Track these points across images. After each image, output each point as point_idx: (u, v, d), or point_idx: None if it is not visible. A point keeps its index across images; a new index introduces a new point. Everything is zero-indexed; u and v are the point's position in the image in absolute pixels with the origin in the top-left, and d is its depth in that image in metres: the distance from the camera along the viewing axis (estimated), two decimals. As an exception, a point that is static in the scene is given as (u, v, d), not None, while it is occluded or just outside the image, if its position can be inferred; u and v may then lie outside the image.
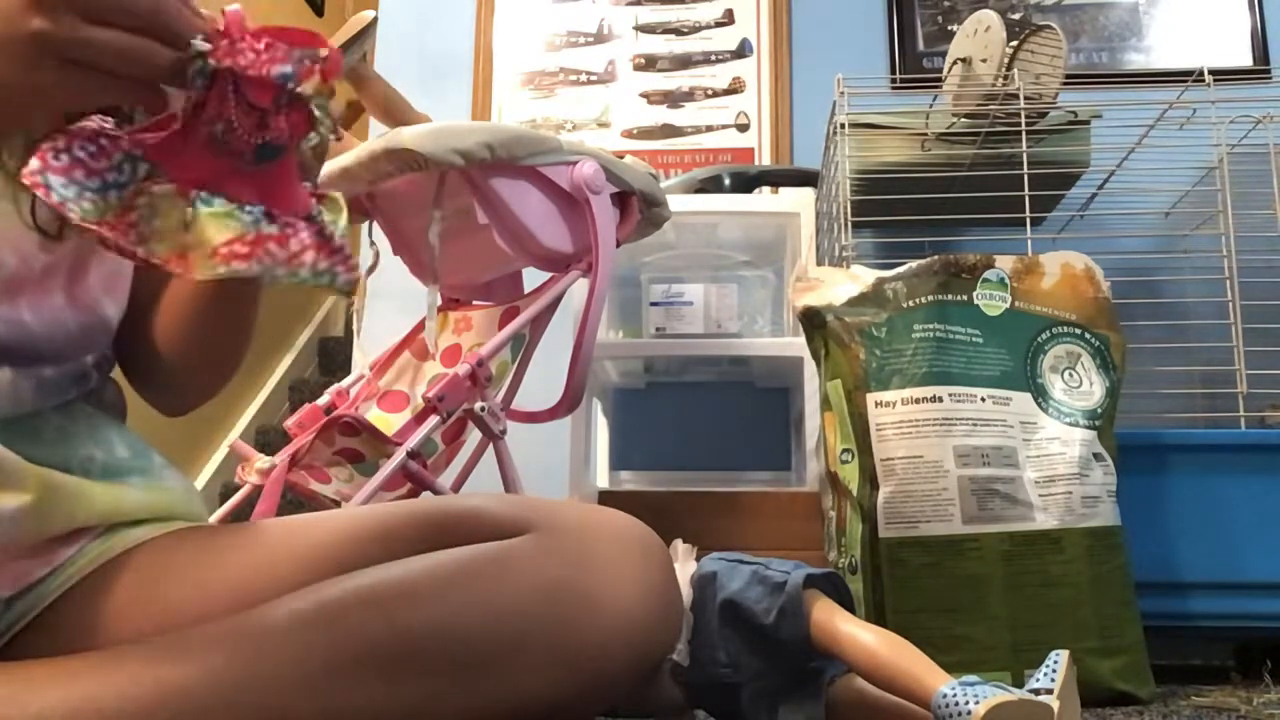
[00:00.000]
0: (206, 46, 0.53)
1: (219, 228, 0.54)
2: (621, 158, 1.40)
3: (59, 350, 0.69)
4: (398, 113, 1.93)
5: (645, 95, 2.37)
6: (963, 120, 1.72)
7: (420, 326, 1.52)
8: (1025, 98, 1.61)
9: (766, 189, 2.03)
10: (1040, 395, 1.27)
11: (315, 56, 0.56)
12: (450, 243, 1.38)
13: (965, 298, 1.30)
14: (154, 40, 0.52)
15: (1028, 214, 1.58)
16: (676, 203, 1.70)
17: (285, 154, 0.57)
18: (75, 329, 0.69)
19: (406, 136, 1.20)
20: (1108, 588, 1.20)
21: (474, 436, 1.41)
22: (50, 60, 0.50)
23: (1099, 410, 1.27)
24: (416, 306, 1.43)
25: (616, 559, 0.67)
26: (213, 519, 1.25)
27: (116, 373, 0.81)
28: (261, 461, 1.30)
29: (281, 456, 1.29)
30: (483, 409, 1.25)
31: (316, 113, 0.57)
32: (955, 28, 1.83)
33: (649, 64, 2.38)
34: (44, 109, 0.54)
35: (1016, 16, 2.27)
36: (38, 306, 0.67)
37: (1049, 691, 0.76)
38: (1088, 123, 1.74)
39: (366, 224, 1.49)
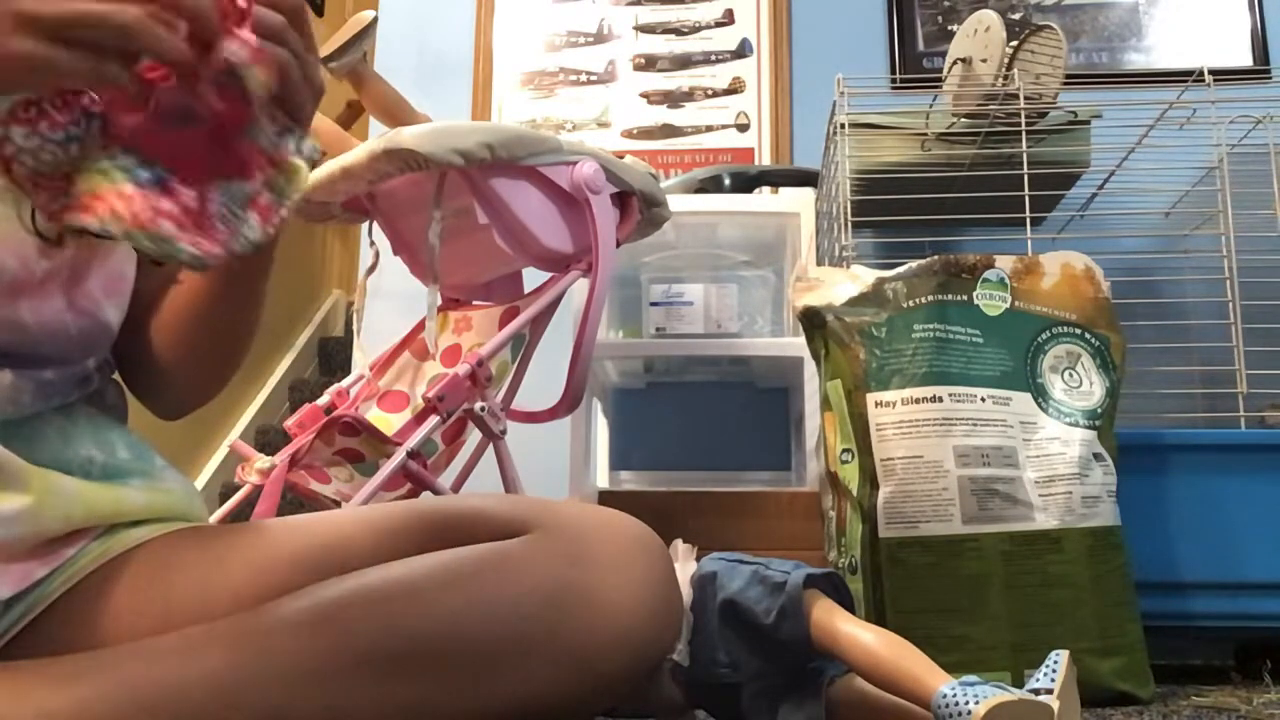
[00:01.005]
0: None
1: (94, 181, 0.54)
2: (621, 158, 1.40)
3: (59, 353, 0.69)
4: (398, 113, 1.93)
5: (645, 95, 2.37)
6: (963, 120, 1.72)
7: (420, 326, 1.52)
8: (1025, 98, 1.61)
9: (766, 189, 2.03)
10: (1040, 395, 1.27)
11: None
12: (450, 243, 1.38)
13: (965, 298, 1.30)
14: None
15: (1028, 214, 1.58)
16: (676, 203, 1.70)
17: (212, 123, 0.57)
18: (75, 333, 0.69)
19: (406, 136, 1.20)
20: (1108, 588, 1.20)
21: (474, 436, 1.41)
22: (41, 37, 0.50)
23: (1099, 410, 1.27)
24: (416, 306, 1.43)
25: (616, 559, 0.67)
26: (213, 519, 1.25)
27: (118, 374, 0.81)
28: (261, 461, 1.30)
29: (281, 456, 1.29)
30: (483, 409, 1.25)
31: (254, 96, 0.57)
32: (955, 28, 1.83)
33: (649, 64, 2.38)
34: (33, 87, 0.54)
35: (1016, 16, 2.27)
36: (38, 310, 0.67)
37: (1049, 691, 0.76)
38: (1088, 123, 1.74)
39: (366, 224, 1.49)
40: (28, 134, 0.53)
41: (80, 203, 0.54)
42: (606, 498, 1.57)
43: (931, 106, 1.81)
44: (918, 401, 1.23)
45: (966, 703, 0.73)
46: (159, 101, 0.56)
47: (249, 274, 0.76)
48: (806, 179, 1.96)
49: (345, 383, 1.50)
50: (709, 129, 2.33)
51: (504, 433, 1.30)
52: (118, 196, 0.54)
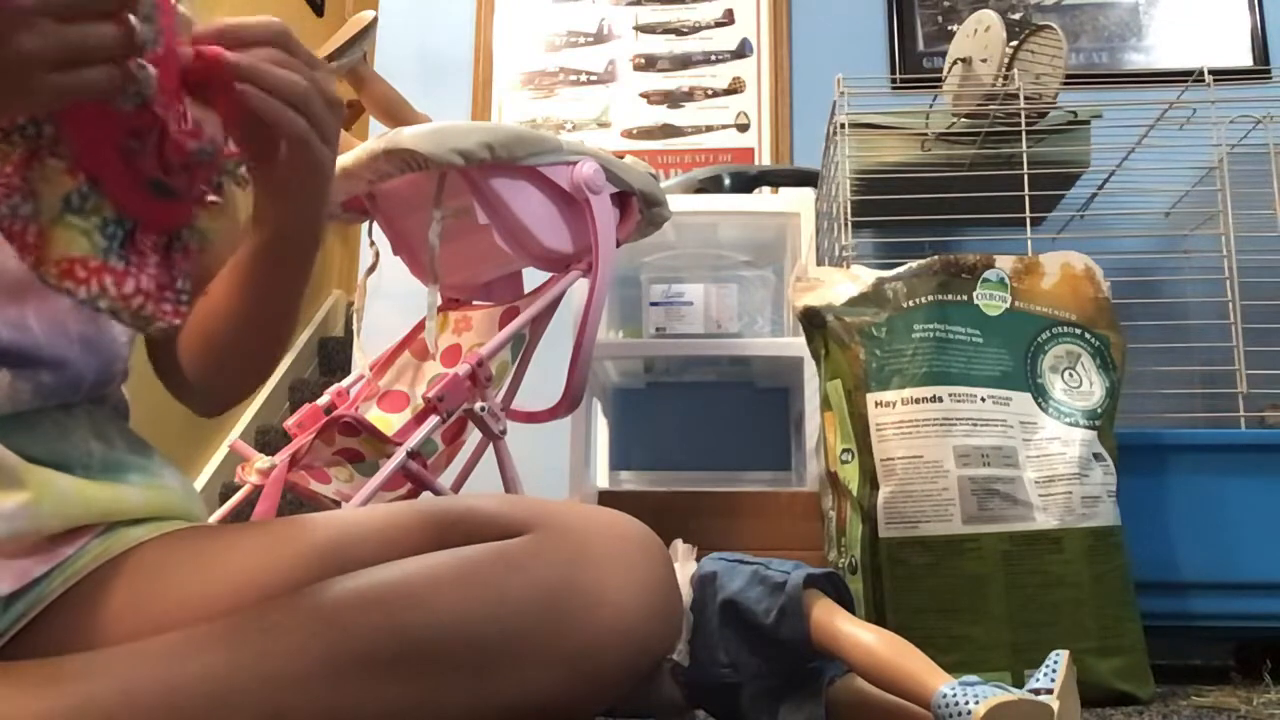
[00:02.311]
0: (152, 72, 0.53)
1: (71, 241, 0.54)
2: (621, 158, 1.40)
3: (60, 358, 0.69)
4: (398, 113, 1.93)
5: (645, 95, 2.37)
6: (963, 120, 1.72)
7: (420, 326, 1.52)
8: (1025, 98, 1.61)
9: (766, 189, 2.03)
10: (1040, 395, 1.27)
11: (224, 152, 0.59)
12: (450, 243, 1.38)
13: (965, 298, 1.30)
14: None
15: (1028, 214, 1.58)
16: (676, 203, 1.70)
17: (173, 198, 0.59)
18: (76, 338, 0.69)
19: (406, 136, 1.20)
20: (1108, 588, 1.20)
21: (474, 436, 1.41)
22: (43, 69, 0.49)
23: (1099, 410, 1.27)
24: (416, 306, 1.43)
25: (616, 559, 0.67)
26: (213, 519, 1.25)
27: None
28: (261, 461, 1.30)
29: (281, 456, 1.29)
30: (483, 409, 1.25)
31: (216, 179, 0.60)
32: (955, 28, 1.83)
33: (649, 64, 2.38)
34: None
35: (1016, 16, 2.27)
36: (43, 313, 0.67)
37: (1049, 691, 0.76)
38: (1088, 123, 1.74)
39: (366, 224, 1.49)
40: None
41: (61, 268, 0.54)
42: (606, 498, 1.57)
43: (931, 106, 1.81)
44: (918, 401, 1.23)
45: (966, 703, 0.73)
46: (132, 161, 0.56)
47: (282, 292, 0.74)
48: (806, 179, 1.96)
49: (345, 383, 1.50)
50: (709, 129, 2.33)
51: (504, 433, 1.30)
52: (102, 270, 0.55)
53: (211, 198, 0.61)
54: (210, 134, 0.58)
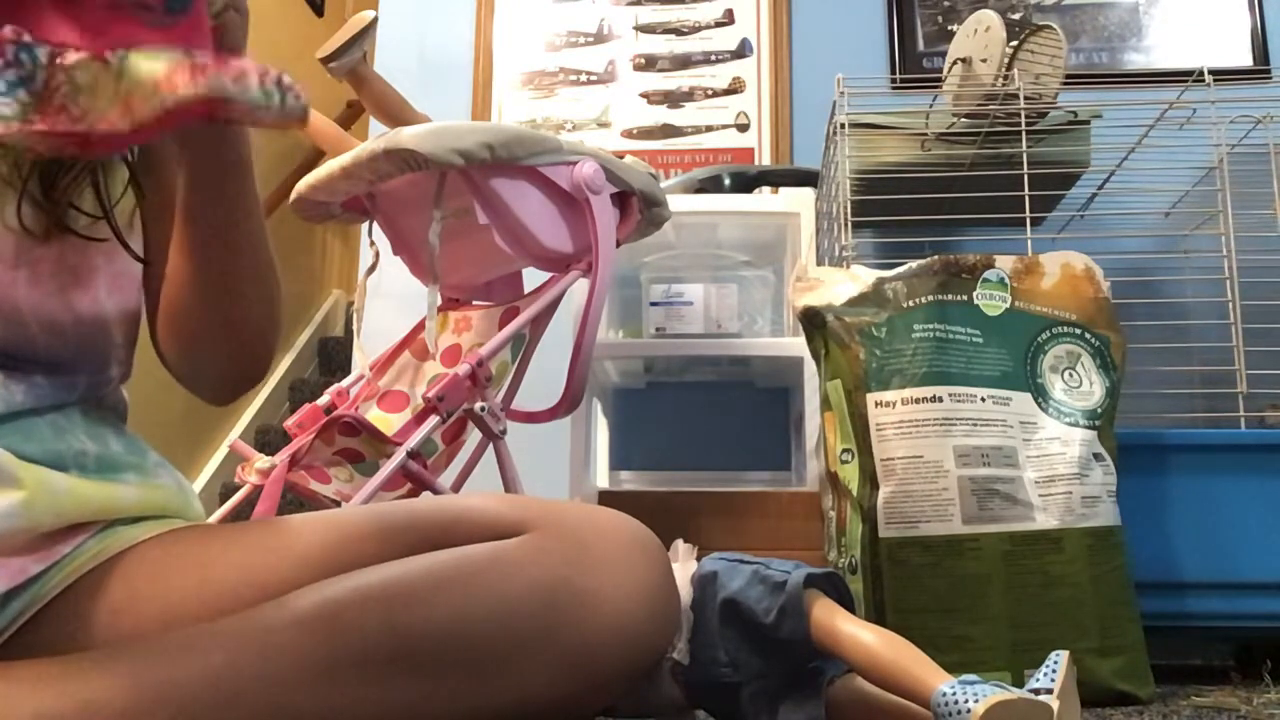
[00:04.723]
0: None
1: (153, 64, 0.49)
2: (621, 158, 1.40)
3: (55, 358, 0.68)
4: (398, 113, 1.93)
5: (645, 95, 2.37)
6: (963, 120, 1.72)
7: (420, 326, 1.52)
8: (1025, 98, 1.61)
9: (766, 189, 2.03)
10: (1040, 395, 1.27)
11: None
12: (450, 243, 1.38)
13: (965, 298, 1.30)
14: None
15: (1028, 214, 1.58)
16: (676, 203, 1.70)
17: (196, 3, 0.53)
18: (73, 336, 0.69)
19: (406, 136, 1.20)
20: (1108, 588, 1.20)
21: (474, 436, 1.41)
22: None
23: (1099, 410, 1.27)
24: (416, 306, 1.43)
25: (615, 559, 0.67)
26: (213, 519, 1.25)
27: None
28: (261, 461, 1.30)
29: (281, 456, 1.29)
30: (483, 409, 1.25)
31: None
32: (955, 28, 1.83)
33: (649, 64, 2.38)
34: None
35: (1016, 16, 2.27)
36: (37, 310, 0.66)
37: (1049, 691, 0.76)
38: (1088, 123, 1.74)
39: (366, 224, 1.49)
40: None
41: (160, 84, 0.48)
42: (606, 498, 1.57)
43: (931, 106, 1.81)
44: (918, 401, 1.23)
45: (966, 701, 0.73)
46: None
47: (231, 228, 0.71)
48: (806, 179, 1.96)
49: (345, 383, 1.50)
50: (709, 129, 2.33)
51: (504, 433, 1.30)
52: (195, 66, 0.49)
53: None
54: None
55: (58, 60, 0.49)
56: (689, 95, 2.35)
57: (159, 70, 0.49)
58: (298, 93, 0.53)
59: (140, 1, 0.51)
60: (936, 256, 1.32)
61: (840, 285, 1.32)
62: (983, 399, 1.24)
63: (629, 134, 2.35)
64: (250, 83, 0.51)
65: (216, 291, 0.73)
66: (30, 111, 0.48)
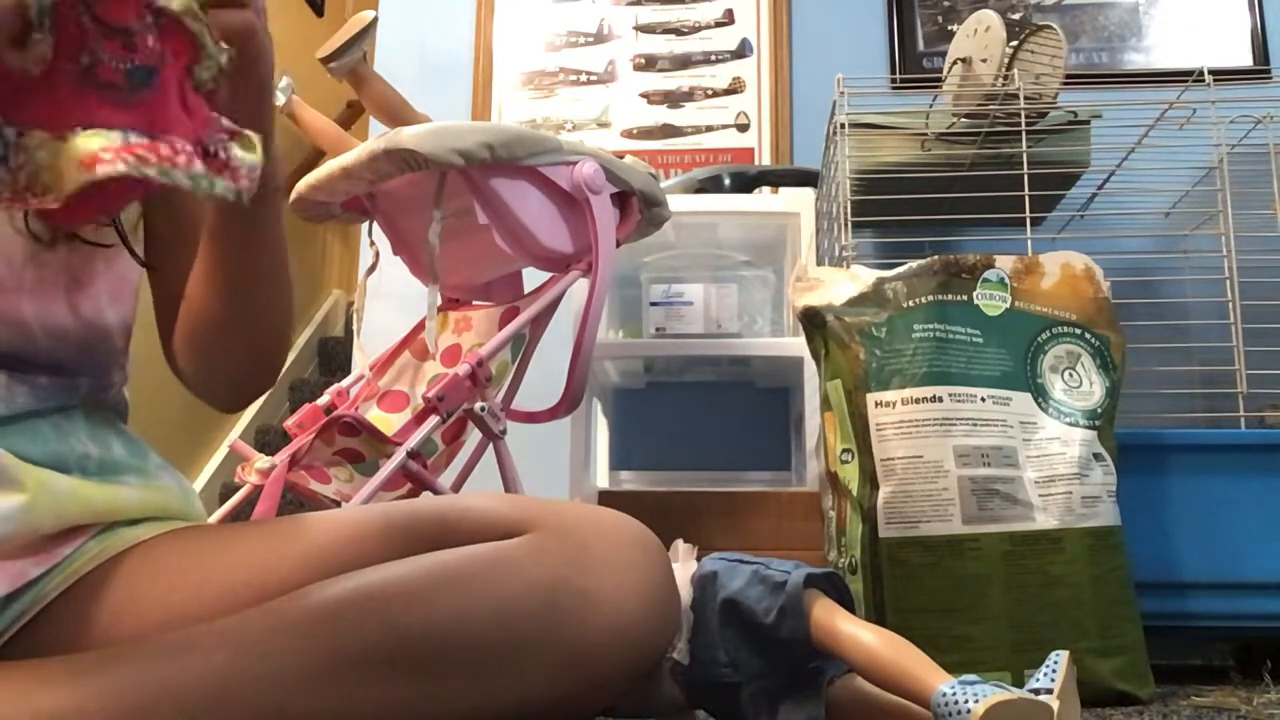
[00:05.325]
0: None
1: (88, 142, 0.49)
2: (621, 158, 1.40)
3: (57, 362, 0.69)
4: (398, 113, 1.93)
5: (645, 95, 2.37)
6: (963, 120, 1.72)
7: (420, 326, 1.52)
8: (1025, 98, 1.61)
9: (766, 189, 2.03)
10: (1040, 395, 1.27)
11: None
12: (450, 243, 1.38)
13: (965, 298, 1.30)
14: None
15: (1028, 214, 1.58)
16: (676, 203, 1.70)
17: (160, 76, 0.53)
18: (77, 340, 0.69)
19: (406, 136, 1.20)
20: (1108, 588, 1.20)
21: (474, 436, 1.41)
22: None
23: (1099, 410, 1.27)
24: (416, 306, 1.43)
25: (615, 559, 0.67)
26: (213, 519, 1.25)
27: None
28: (261, 461, 1.30)
29: (281, 456, 1.29)
30: (483, 409, 1.25)
31: (193, 28, 0.53)
32: (955, 28, 1.83)
33: (649, 64, 2.38)
34: None
35: (1016, 16, 2.27)
36: (42, 314, 0.67)
37: (1049, 691, 0.76)
38: (1088, 123, 1.74)
39: (366, 224, 1.49)
40: None
41: (84, 161, 0.49)
42: (606, 498, 1.57)
43: (931, 106, 1.81)
44: (918, 401, 1.23)
45: (966, 701, 0.73)
46: (98, 78, 0.51)
47: (249, 278, 0.73)
48: (806, 179, 1.96)
49: (345, 383, 1.50)
50: (709, 129, 2.33)
51: (504, 433, 1.30)
52: (125, 146, 0.50)
53: (206, 59, 0.54)
54: None
55: (22, 138, 0.50)
56: (689, 95, 2.36)
57: (89, 149, 0.49)
58: (237, 175, 0.54)
59: (105, 80, 0.51)
60: (936, 256, 1.32)
61: (840, 285, 1.32)
62: (983, 399, 1.24)
63: (629, 134, 2.35)
64: (177, 168, 0.51)
65: (242, 306, 0.74)
66: (2, 189, 0.49)
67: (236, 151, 0.55)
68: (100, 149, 0.49)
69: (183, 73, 0.54)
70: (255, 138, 0.56)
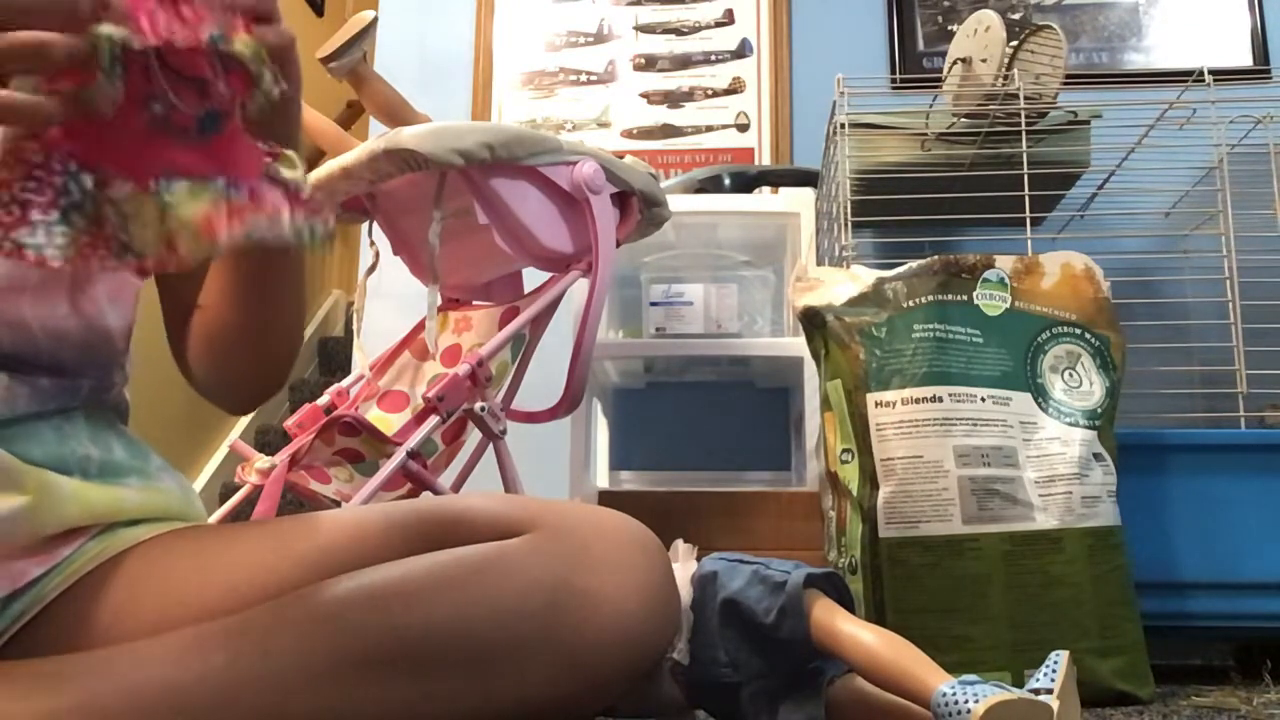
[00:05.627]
0: (112, 30, 0.49)
1: (193, 205, 0.51)
2: (621, 158, 1.40)
3: (58, 363, 0.69)
4: (398, 113, 1.93)
5: (645, 95, 2.37)
6: (963, 120, 1.72)
7: (420, 326, 1.52)
8: (1025, 98, 1.61)
9: (766, 189, 2.03)
10: (1040, 395, 1.27)
11: (234, 4, 0.53)
12: (450, 243, 1.38)
13: (965, 298, 1.30)
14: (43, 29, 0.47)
15: (1028, 214, 1.58)
16: (676, 203, 1.70)
17: (230, 119, 0.54)
18: (78, 341, 0.69)
19: (406, 136, 1.20)
20: (1108, 588, 1.20)
21: (474, 436, 1.41)
22: None
23: (1099, 410, 1.27)
24: (416, 306, 1.43)
25: (615, 559, 0.67)
26: (213, 519, 1.25)
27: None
28: (261, 461, 1.30)
29: (281, 456, 1.29)
30: (483, 409, 1.25)
31: (252, 68, 0.54)
32: (955, 28, 1.83)
33: (649, 64, 2.38)
34: None
35: (1016, 16, 2.27)
36: (42, 316, 0.67)
37: (1049, 691, 0.76)
38: (1088, 123, 1.74)
39: (366, 224, 1.49)
40: (30, 232, 0.48)
41: (202, 229, 0.51)
42: (606, 498, 1.57)
43: (931, 106, 1.81)
44: (918, 401, 1.23)
45: (966, 701, 0.73)
46: (172, 123, 0.52)
47: (271, 296, 0.75)
48: (806, 179, 1.96)
49: (345, 383, 1.50)
50: (709, 129, 2.33)
51: (504, 433, 1.30)
52: (232, 208, 0.52)
53: (259, 94, 0.55)
54: (204, 7, 0.52)
55: (105, 190, 0.51)
56: (689, 95, 2.36)
57: (200, 213, 0.51)
58: (324, 215, 0.56)
59: (176, 124, 0.52)
60: (936, 256, 1.32)
61: (840, 285, 1.32)
62: (983, 399, 1.24)
63: (629, 134, 2.35)
64: (283, 223, 0.54)
65: (261, 315, 0.76)
66: (82, 240, 0.50)
67: (285, 173, 0.56)
68: (207, 215, 0.51)
69: (238, 109, 0.55)
70: (293, 155, 0.58)
